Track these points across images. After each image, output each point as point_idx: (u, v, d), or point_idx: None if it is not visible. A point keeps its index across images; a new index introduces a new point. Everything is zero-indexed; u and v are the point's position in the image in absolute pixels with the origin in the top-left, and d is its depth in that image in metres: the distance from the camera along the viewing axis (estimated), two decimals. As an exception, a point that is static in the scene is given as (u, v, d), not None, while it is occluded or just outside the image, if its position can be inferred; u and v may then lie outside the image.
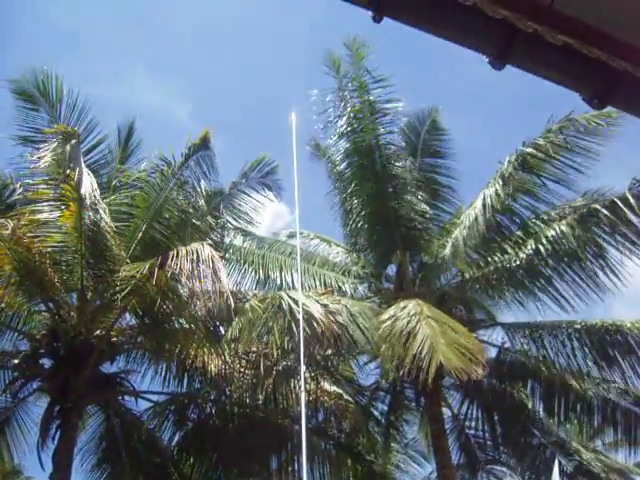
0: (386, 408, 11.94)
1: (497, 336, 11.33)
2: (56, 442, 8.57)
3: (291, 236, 13.52)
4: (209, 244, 8.39)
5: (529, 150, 10.07)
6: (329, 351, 10.14)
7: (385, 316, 8.93)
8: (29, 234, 8.38)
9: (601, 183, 10.22)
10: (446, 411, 11.60)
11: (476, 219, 10.16)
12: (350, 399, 10.30)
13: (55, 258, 8.96)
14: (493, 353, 11.24)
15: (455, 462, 11.34)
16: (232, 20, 22.46)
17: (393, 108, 11.49)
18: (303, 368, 7.81)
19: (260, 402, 9.79)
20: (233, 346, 9.20)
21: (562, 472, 11.18)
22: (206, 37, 22.97)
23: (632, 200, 9.18)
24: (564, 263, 10.17)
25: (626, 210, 9.18)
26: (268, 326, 8.70)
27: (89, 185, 8.37)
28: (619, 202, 9.30)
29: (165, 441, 10.37)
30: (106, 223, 8.73)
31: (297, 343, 7.71)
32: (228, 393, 10.18)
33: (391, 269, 11.98)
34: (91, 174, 8.87)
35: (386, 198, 11.54)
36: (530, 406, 11.41)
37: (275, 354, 8.99)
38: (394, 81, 11.41)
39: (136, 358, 10.05)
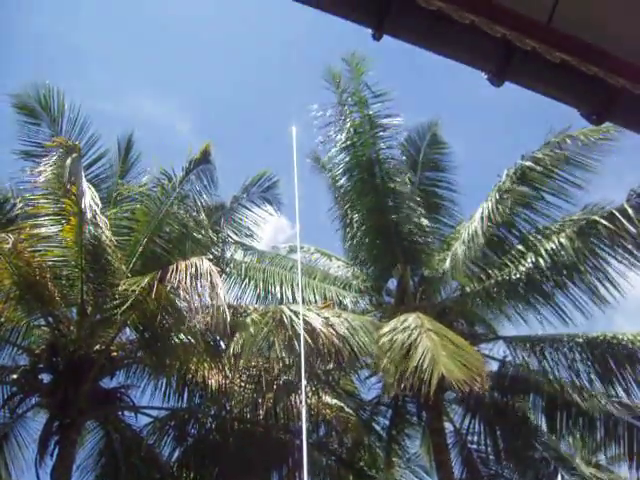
0: (388, 423, 11.83)
1: (498, 350, 11.30)
2: (54, 458, 8.47)
3: (292, 250, 13.55)
4: (209, 258, 8.39)
5: (528, 164, 10.12)
6: (330, 365, 10.08)
7: (385, 329, 8.90)
8: (29, 248, 8.36)
9: (600, 197, 10.28)
10: (448, 425, 11.51)
11: (476, 232, 10.17)
12: (351, 413, 10.24)
13: (55, 272, 8.93)
14: (495, 367, 11.21)
15: (457, 477, 11.23)
16: (233, 36, 22.68)
17: (393, 122, 11.58)
18: (304, 382, 7.78)
19: (261, 417, 9.72)
20: (233, 361, 9.16)
21: (565, 486, 11.11)
22: (208, 52, 23.18)
23: (630, 211, 9.21)
24: (564, 276, 10.17)
25: (625, 222, 9.20)
26: (269, 340, 8.67)
27: (89, 199, 8.39)
28: (617, 214, 9.33)
29: (165, 457, 10.26)
30: (107, 237, 8.72)
31: (298, 357, 7.68)
32: (228, 408, 10.11)
33: (392, 283, 11.99)
34: (92, 188, 8.88)
35: (387, 212, 11.56)
36: (532, 420, 11.34)
37: (276, 368, 8.94)
38: (394, 95, 11.54)
39: (136, 373, 10.00)
